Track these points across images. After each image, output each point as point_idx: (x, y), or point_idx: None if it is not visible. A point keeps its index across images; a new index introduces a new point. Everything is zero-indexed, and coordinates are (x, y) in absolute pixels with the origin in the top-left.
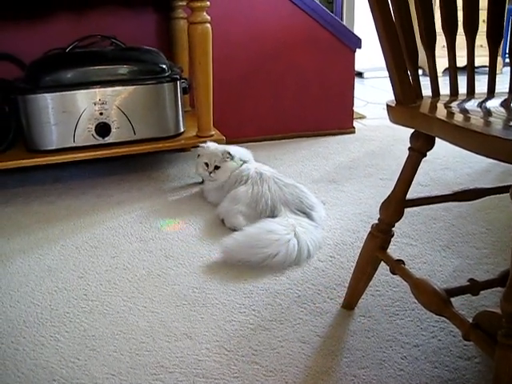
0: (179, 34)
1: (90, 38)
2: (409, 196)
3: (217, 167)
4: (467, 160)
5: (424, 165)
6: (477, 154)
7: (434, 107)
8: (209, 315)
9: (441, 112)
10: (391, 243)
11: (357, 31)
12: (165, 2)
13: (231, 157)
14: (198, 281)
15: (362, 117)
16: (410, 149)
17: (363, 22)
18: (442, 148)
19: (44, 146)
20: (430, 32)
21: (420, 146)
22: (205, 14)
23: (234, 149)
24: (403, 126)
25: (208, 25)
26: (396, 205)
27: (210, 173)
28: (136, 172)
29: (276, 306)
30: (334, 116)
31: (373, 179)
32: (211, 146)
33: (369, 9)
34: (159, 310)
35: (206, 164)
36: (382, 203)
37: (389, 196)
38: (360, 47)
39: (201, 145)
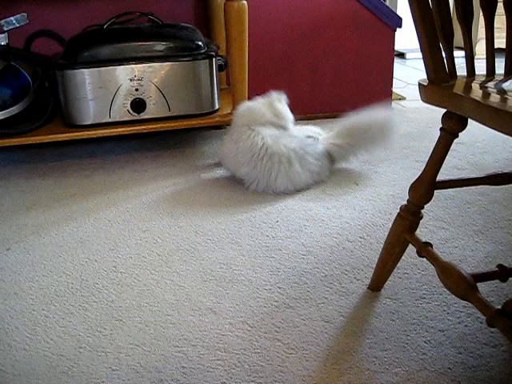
0: (217, 11)
1: (127, 14)
2: (444, 179)
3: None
4: (508, 144)
5: (462, 148)
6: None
7: (468, 87)
8: (234, 291)
9: (475, 92)
10: (423, 226)
11: (400, 11)
12: None
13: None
14: (225, 257)
15: (402, 98)
16: (441, 129)
17: (407, 2)
18: (481, 131)
19: (81, 121)
20: (467, 7)
21: (452, 127)
22: None
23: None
24: (435, 105)
25: (244, 2)
26: (426, 186)
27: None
28: (170, 149)
29: (302, 284)
30: (372, 96)
31: (408, 161)
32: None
33: None
34: (186, 284)
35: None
36: (412, 184)
37: (418, 177)
38: (400, 26)
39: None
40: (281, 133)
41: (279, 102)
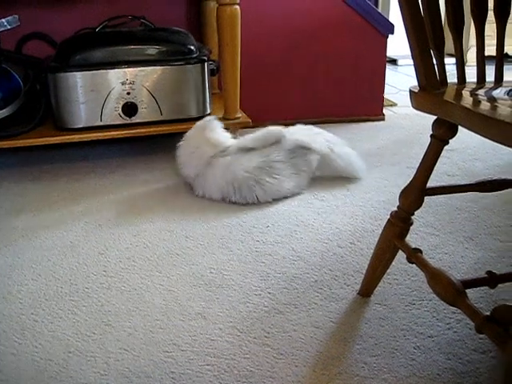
0: (210, 16)
1: (119, 18)
2: (434, 185)
3: None
4: (498, 151)
5: (453, 154)
6: (503, 144)
7: (458, 94)
8: (224, 296)
9: (465, 100)
10: (413, 232)
11: (392, 18)
12: None
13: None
14: (216, 261)
15: (393, 104)
16: (431, 136)
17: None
18: (472, 138)
19: (72, 124)
20: (458, 14)
21: (442, 134)
22: None
23: None
24: (425, 112)
25: (237, 6)
26: (416, 193)
27: None
28: (162, 153)
29: (292, 289)
30: (363, 102)
31: (399, 167)
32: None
33: None
34: (176, 288)
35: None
36: (402, 191)
37: (409, 184)
38: (392, 33)
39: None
40: (237, 155)
41: (212, 129)
